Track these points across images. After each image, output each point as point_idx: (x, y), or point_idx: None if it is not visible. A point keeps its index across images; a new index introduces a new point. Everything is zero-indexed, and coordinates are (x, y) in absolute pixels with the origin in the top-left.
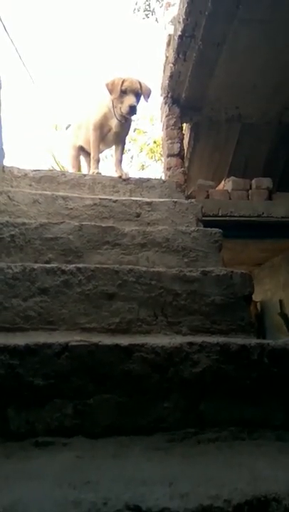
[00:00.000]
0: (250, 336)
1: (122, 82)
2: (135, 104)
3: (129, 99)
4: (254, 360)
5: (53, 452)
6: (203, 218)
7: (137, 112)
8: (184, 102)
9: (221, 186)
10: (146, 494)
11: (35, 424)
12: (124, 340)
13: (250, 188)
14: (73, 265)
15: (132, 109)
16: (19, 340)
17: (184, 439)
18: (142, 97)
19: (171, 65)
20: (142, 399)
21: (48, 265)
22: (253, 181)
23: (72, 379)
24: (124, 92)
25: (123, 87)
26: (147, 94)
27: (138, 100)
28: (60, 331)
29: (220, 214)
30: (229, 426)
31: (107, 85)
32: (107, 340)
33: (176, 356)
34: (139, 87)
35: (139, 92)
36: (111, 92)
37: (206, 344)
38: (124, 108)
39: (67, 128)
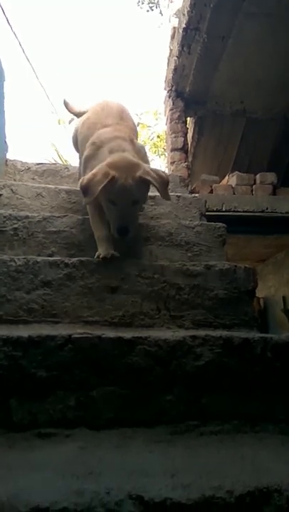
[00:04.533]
0: (253, 330)
1: (109, 184)
2: (129, 223)
3: (119, 217)
4: (257, 355)
5: (55, 443)
6: (207, 213)
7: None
8: (188, 95)
9: (225, 181)
10: (149, 485)
11: (38, 415)
12: (127, 334)
13: (255, 183)
14: (76, 258)
15: (123, 231)
16: (22, 332)
17: (187, 431)
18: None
19: (176, 58)
20: (145, 391)
21: (51, 258)
22: (258, 176)
23: (75, 371)
24: (111, 202)
25: (110, 195)
26: (143, 193)
27: (134, 210)
28: (63, 323)
29: (224, 209)
30: (232, 419)
31: (81, 184)
32: (110, 333)
33: (178, 349)
34: (134, 190)
35: (137, 199)
36: (86, 192)
37: (209, 338)
38: (112, 227)
39: (70, 122)
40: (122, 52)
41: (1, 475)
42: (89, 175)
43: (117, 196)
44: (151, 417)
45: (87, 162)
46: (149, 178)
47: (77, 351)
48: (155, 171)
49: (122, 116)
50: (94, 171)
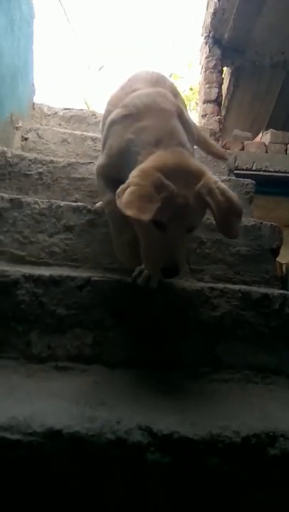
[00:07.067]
0: (273, 288)
1: (158, 189)
2: (179, 261)
3: (168, 251)
4: (275, 310)
5: (72, 376)
6: (236, 172)
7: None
8: (227, 43)
9: (258, 138)
10: (158, 419)
11: (57, 349)
12: None
13: None
14: (99, 205)
15: (171, 272)
16: (44, 271)
17: (199, 377)
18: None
19: (215, 0)
20: (161, 337)
21: (74, 203)
22: None
23: (93, 312)
24: (159, 227)
25: (159, 217)
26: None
27: (187, 240)
28: (83, 268)
29: (254, 168)
30: (244, 370)
31: (124, 201)
32: (129, 279)
33: (196, 299)
34: (195, 212)
35: (195, 225)
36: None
37: (228, 290)
38: (151, 263)
39: (100, 69)
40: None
41: (18, 399)
42: (131, 186)
43: (174, 219)
44: (165, 361)
45: (111, 128)
46: (208, 199)
47: (95, 293)
48: (223, 191)
49: (158, 81)
50: (135, 177)
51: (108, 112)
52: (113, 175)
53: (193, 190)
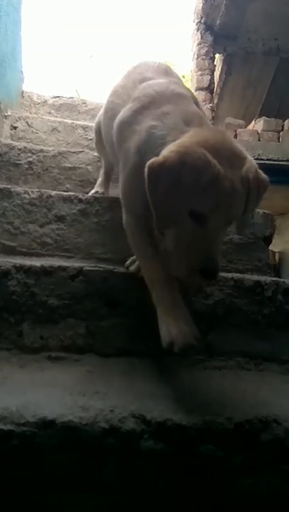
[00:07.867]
0: (265, 276)
1: (207, 183)
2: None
3: (208, 248)
4: (268, 297)
5: (65, 366)
6: None
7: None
8: (218, 29)
9: (250, 126)
10: (152, 406)
11: (49, 340)
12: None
13: (282, 130)
14: (90, 194)
15: (212, 274)
16: (35, 262)
17: (192, 365)
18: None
19: None
20: (154, 326)
21: (64, 193)
22: (286, 122)
23: (86, 302)
24: (198, 218)
25: (200, 205)
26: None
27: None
28: (75, 258)
29: None
30: (237, 357)
31: (153, 169)
32: (122, 269)
33: (188, 287)
34: (242, 199)
35: (237, 215)
36: (156, 188)
37: (220, 278)
38: (186, 266)
39: (91, 57)
40: None
41: (11, 389)
42: (167, 154)
43: (216, 208)
44: (158, 349)
45: (123, 131)
46: (252, 183)
47: (88, 283)
48: (260, 184)
49: (167, 71)
50: (172, 151)
51: (112, 103)
52: (143, 194)
53: (239, 173)
